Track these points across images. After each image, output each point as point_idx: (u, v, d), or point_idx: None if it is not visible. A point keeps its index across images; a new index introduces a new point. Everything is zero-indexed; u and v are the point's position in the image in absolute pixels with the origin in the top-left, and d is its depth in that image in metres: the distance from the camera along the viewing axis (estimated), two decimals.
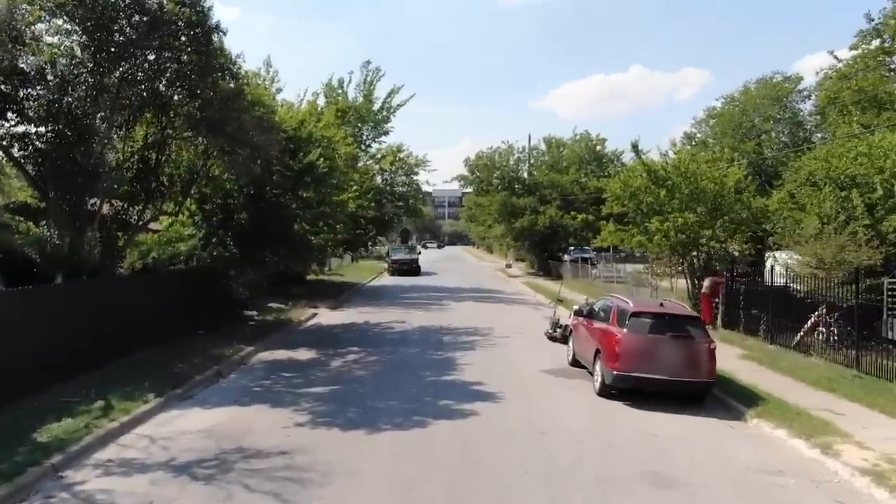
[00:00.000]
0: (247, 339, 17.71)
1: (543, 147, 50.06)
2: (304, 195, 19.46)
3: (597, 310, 14.35)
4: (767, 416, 11.03)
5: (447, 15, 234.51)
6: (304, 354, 16.84)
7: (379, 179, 37.81)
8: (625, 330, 12.01)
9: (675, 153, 21.76)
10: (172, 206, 18.12)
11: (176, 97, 15.29)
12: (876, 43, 24.38)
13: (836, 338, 17.38)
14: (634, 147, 21.99)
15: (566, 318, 19.37)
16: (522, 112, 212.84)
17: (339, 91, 32.87)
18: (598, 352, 12.80)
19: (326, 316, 24.87)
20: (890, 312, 16.70)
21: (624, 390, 12.12)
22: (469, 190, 52.70)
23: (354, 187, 24.96)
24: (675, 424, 10.94)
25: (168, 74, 14.83)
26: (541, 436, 10.22)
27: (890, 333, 17.08)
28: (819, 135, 39.43)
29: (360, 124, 33.03)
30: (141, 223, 16.63)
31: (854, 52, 25.08)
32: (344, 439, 9.89)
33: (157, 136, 15.89)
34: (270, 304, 24.62)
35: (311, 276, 37.83)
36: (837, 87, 25.16)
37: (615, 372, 11.91)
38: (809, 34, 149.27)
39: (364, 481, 8.31)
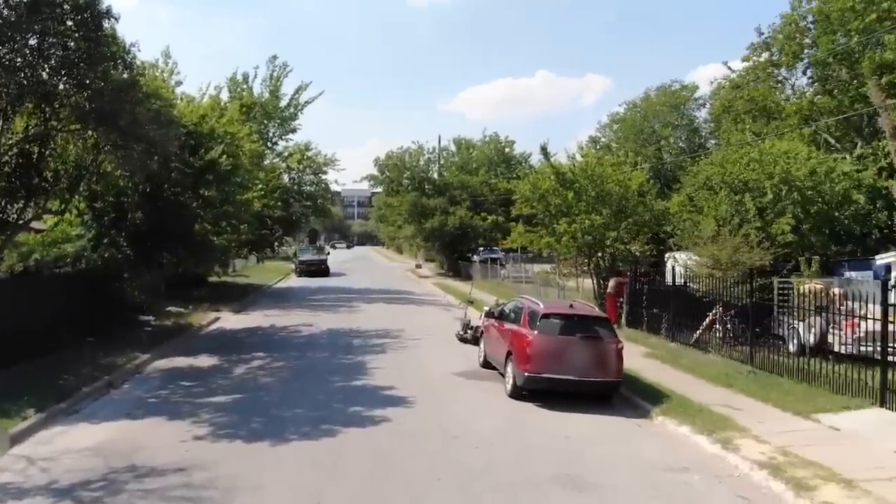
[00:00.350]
0: (142, 345, 16.65)
1: (453, 148, 50.45)
2: (206, 194, 18.52)
3: (508, 311, 14.37)
4: (672, 414, 11.33)
5: (354, 14, 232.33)
6: (205, 361, 16.00)
7: (286, 178, 36.76)
8: (535, 332, 12.05)
9: (582, 156, 22.24)
10: (58, 205, 16.79)
11: (62, 86, 14.08)
12: (765, 56, 25.87)
13: (731, 335, 18.26)
14: (543, 150, 22.35)
15: (477, 319, 19.40)
16: (432, 114, 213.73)
17: (245, 86, 31.69)
18: (509, 353, 12.79)
19: (230, 320, 23.88)
20: (779, 310, 17.64)
21: (535, 391, 12.17)
22: (379, 190, 52.28)
23: (259, 186, 24.01)
24: (585, 425, 11.06)
25: (52, 61, 13.66)
26: (453, 440, 10.05)
27: (779, 330, 18.11)
28: (713, 141, 41.69)
29: (266, 121, 31.93)
30: (21, 222, 15.30)
31: (746, 64, 26.53)
32: (247, 452, 9.36)
33: (39, 129, 14.62)
34: (169, 308, 23.37)
35: (214, 278, 36.30)
36: (731, 96, 26.54)
37: (526, 373, 11.93)
38: (702, 46, 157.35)
39: (269, 496, 7.86)
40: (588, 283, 26.04)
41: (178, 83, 21.65)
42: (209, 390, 13.01)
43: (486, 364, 15.07)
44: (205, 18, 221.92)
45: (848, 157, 21.29)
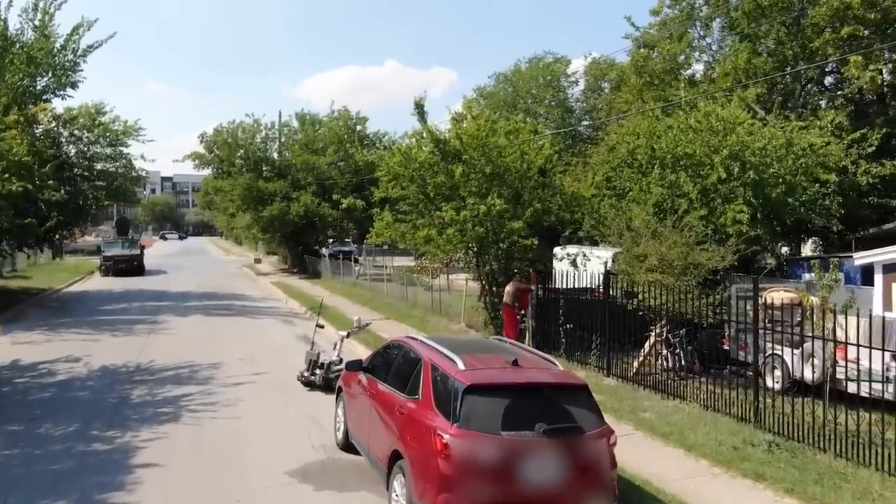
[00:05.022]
0: None
1: (296, 124, 42.79)
2: None
3: (388, 361, 8.17)
4: None
5: None
6: None
7: (73, 150, 27.82)
8: (455, 425, 5.96)
9: (472, 117, 16.43)
10: None
11: None
12: (678, 10, 21.52)
13: (681, 363, 13.43)
14: (418, 107, 16.24)
15: (332, 349, 13.21)
16: (276, 100, 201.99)
17: None
18: (396, 456, 6.65)
19: None
20: (739, 328, 12.91)
21: None
22: (207, 172, 43.67)
23: None
24: None
25: None
26: None
27: (740, 354, 13.51)
28: (586, 122, 37.88)
29: (33, 68, 23.22)
30: None
31: (654, 19, 22.07)
32: None
33: None
34: None
35: None
36: (643, 55, 21.93)
37: None
38: (549, 43, 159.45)
39: None
40: (462, 281, 20.64)
41: None
42: None
43: (349, 445, 8.84)
44: None
45: (787, 122, 17.04)
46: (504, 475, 5.78)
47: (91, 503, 7.38)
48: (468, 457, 5.78)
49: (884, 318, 10.73)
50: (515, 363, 6.60)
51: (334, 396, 9.97)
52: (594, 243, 18.49)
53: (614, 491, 6.25)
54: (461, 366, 6.44)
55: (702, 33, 21.63)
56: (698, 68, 22.20)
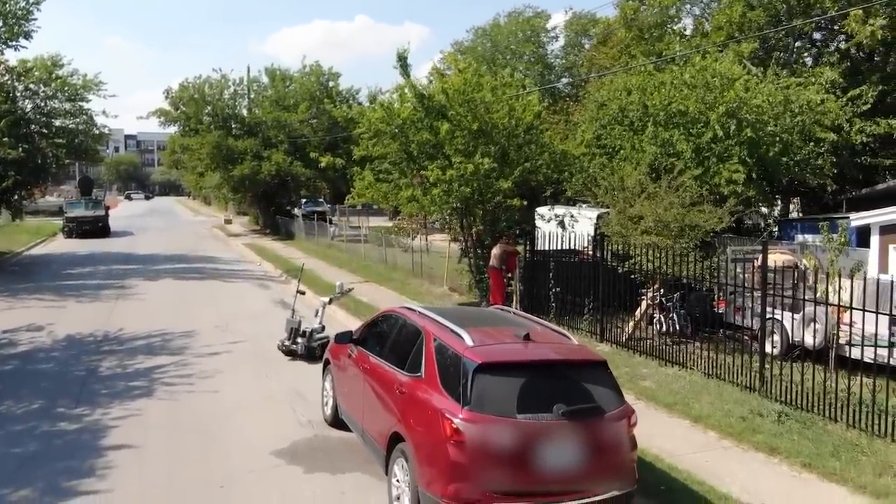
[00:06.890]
0: None
1: (266, 80, 41.17)
2: None
3: (385, 336, 7.54)
4: None
5: None
6: None
7: (29, 106, 26.29)
8: (466, 408, 5.40)
9: (459, 70, 15.57)
10: None
11: None
12: None
13: (676, 327, 13.08)
14: (402, 59, 15.30)
15: (314, 317, 12.57)
16: (242, 55, 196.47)
17: None
18: (396, 438, 6.08)
19: None
20: (736, 291, 12.54)
21: None
22: (173, 129, 41.96)
23: None
24: None
25: None
26: None
27: (735, 317, 13.19)
28: (566, 79, 37.04)
29: None
30: None
31: None
32: None
33: None
34: None
35: None
36: (633, 7, 21.10)
37: (445, 500, 5.32)
38: None
39: None
40: (440, 241, 19.99)
41: None
42: None
43: (338, 421, 8.27)
44: None
45: (783, 78, 16.48)
46: (520, 461, 5.25)
47: (58, 491, 6.73)
48: (481, 443, 5.23)
49: (878, 280, 10.44)
50: (527, 337, 6.03)
51: (320, 367, 9.39)
52: (574, 203, 17.94)
53: (634, 474, 5.78)
54: (469, 341, 5.84)
55: None
56: (688, 22, 21.56)
